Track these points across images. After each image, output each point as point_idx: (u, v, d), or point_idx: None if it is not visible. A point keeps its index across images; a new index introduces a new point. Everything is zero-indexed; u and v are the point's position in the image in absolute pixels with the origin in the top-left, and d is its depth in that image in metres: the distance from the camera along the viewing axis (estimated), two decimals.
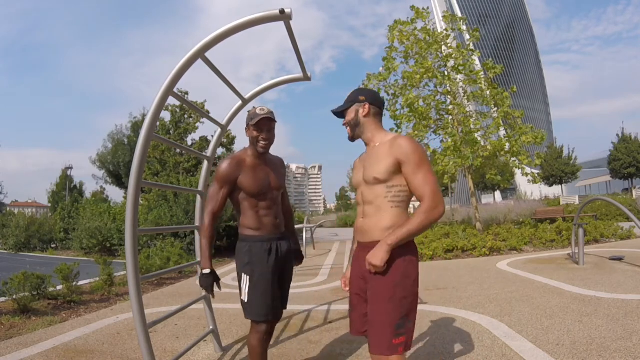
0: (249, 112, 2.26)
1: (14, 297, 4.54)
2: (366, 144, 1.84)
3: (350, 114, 1.82)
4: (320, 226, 23.42)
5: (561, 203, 22.24)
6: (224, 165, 2.14)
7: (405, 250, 1.66)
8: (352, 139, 1.85)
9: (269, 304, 2.12)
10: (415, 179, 1.63)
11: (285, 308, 2.35)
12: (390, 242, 1.60)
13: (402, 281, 1.63)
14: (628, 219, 8.18)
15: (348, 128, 1.85)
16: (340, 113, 1.87)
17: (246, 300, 2.13)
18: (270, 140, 2.20)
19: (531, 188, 33.46)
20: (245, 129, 2.24)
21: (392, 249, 1.60)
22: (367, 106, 1.79)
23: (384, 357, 1.61)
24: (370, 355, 1.68)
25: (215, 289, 2.22)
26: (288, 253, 2.31)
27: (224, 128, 3.20)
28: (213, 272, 2.17)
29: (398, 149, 1.65)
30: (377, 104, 1.82)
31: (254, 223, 2.18)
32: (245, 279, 2.14)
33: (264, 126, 2.14)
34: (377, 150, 1.74)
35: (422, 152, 1.66)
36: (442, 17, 11.69)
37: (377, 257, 1.60)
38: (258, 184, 2.17)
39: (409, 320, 1.65)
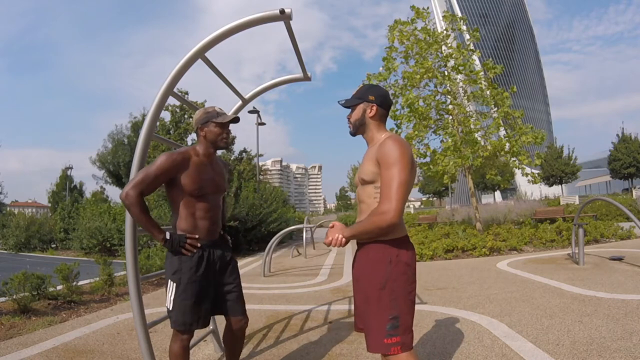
0: (205, 112, 2.15)
1: (14, 297, 4.53)
2: (367, 143, 1.85)
3: (358, 112, 1.81)
4: (320, 226, 23.43)
5: (561, 203, 22.21)
6: (167, 158, 2.00)
7: (391, 251, 1.66)
8: (354, 134, 1.85)
9: (194, 314, 2.05)
10: (382, 177, 1.61)
11: (243, 314, 2.23)
12: (347, 234, 1.67)
13: (389, 284, 1.63)
14: (628, 219, 8.18)
15: (350, 124, 1.85)
16: (346, 105, 1.87)
17: (170, 309, 2.05)
18: (229, 137, 2.22)
19: (531, 188, 33.44)
20: (200, 127, 2.14)
21: (347, 239, 1.68)
22: (375, 108, 1.78)
23: (392, 357, 1.62)
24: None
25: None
26: (223, 260, 2.20)
27: None
28: (174, 234, 2.03)
29: (379, 149, 1.65)
30: (385, 105, 1.81)
31: (188, 226, 2.07)
32: (172, 286, 2.05)
33: (228, 125, 2.18)
34: (369, 151, 1.77)
35: (401, 153, 1.60)
36: (442, 17, 11.69)
37: (329, 238, 1.69)
38: (199, 183, 2.07)
39: (403, 320, 1.62)
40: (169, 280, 2.07)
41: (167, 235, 2.01)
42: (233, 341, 2.29)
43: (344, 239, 1.67)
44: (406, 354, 1.61)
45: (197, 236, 2.06)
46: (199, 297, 2.06)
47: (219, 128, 2.13)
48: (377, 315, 1.63)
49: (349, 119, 1.85)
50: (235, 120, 2.22)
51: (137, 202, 1.96)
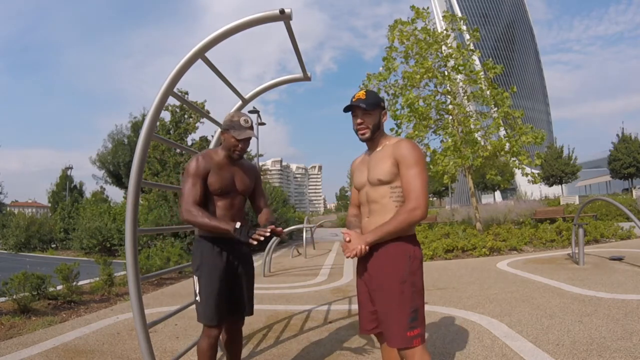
0: (232, 118, 2.16)
1: (14, 297, 4.53)
2: (372, 147, 1.89)
3: (376, 117, 1.83)
4: (321, 226, 23.42)
5: (561, 203, 22.20)
6: (195, 162, 2.11)
7: (408, 248, 1.74)
8: (369, 139, 1.84)
9: (218, 308, 2.08)
10: (405, 177, 1.70)
11: (252, 314, 2.29)
12: (370, 239, 1.69)
13: (410, 278, 1.71)
14: (628, 219, 8.18)
15: (367, 128, 1.81)
16: (352, 108, 1.82)
17: (199, 301, 2.11)
18: (245, 149, 2.23)
19: (531, 188, 33.42)
20: (222, 131, 2.21)
21: (370, 245, 1.70)
22: (386, 114, 1.89)
23: (407, 351, 1.68)
24: (388, 348, 1.80)
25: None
26: (242, 257, 2.24)
27: None
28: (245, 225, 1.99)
29: (398, 150, 1.74)
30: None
31: None
32: (196, 280, 2.11)
33: (245, 139, 2.17)
34: (380, 153, 1.82)
35: (420, 155, 1.72)
36: (442, 17, 11.69)
37: (352, 250, 1.70)
38: (222, 182, 2.14)
39: (421, 312, 1.72)
40: (194, 275, 2.14)
41: (237, 225, 1.95)
42: (234, 339, 2.34)
43: (367, 247, 1.70)
44: (423, 345, 1.70)
45: (268, 230, 1.95)
46: (222, 292, 2.11)
47: (235, 140, 2.16)
48: (399, 310, 1.69)
49: (363, 123, 1.80)
50: (248, 138, 2.20)
51: (196, 211, 2.00)
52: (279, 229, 2.11)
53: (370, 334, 1.87)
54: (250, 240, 1.95)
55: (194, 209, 2.02)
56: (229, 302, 2.17)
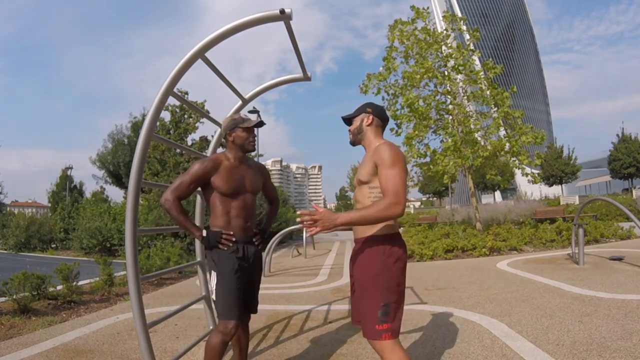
0: (233, 118, 2.32)
1: (14, 297, 4.53)
2: (365, 150, 2.02)
3: (356, 122, 2.02)
4: None
5: (561, 203, 22.19)
6: (200, 165, 2.19)
7: (385, 244, 1.82)
8: (353, 143, 2.05)
9: (238, 304, 2.16)
10: (382, 177, 1.76)
11: (256, 312, 2.39)
12: (341, 220, 1.69)
13: (383, 272, 1.78)
14: (628, 219, 8.18)
15: (350, 133, 2.05)
16: (347, 120, 2.06)
17: (215, 299, 2.16)
18: (255, 138, 2.36)
19: (531, 188, 33.45)
20: (228, 133, 2.30)
21: (340, 225, 1.69)
22: (371, 117, 1.99)
23: (376, 342, 1.75)
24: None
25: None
26: (255, 257, 2.32)
27: None
28: (210, 231, 2.19)
29: (375, 153, 1.82)
30: (381, 117, 2.01)
31: (222, 224, 2.21)
32: (215, 277, 2.17)
33: (254, 129, 2.33)
34: (366, 156, 1.94)
35: (396, 156, 1.77)
36: (442, 17, 11.69)
37: (324, 223, 1.67)
38: (232, 184, 2.22)
39: (393, 308, 1.76)
40: (212, 272, 2.20)
41: (204, 233, 2.19)
42: (243, 335, 2.42)
43: (330, 226, 1.68)
44: (394, 340, 1.75)
45: (231, 232, 2.19)
46: (239, 289, 2.17)
47: (246, 133, 2.29)
48: (370, 302, 1.77)
49: (349, 130, 2.05)
50: (260, 124, 2.39)
51: (175, 205, 2.14)
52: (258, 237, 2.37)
53: (359, 325, 1.95)
54: (220, 246, 2.17)
55: (174, 201, 2.13)
56: (243, 299, 2.24)
